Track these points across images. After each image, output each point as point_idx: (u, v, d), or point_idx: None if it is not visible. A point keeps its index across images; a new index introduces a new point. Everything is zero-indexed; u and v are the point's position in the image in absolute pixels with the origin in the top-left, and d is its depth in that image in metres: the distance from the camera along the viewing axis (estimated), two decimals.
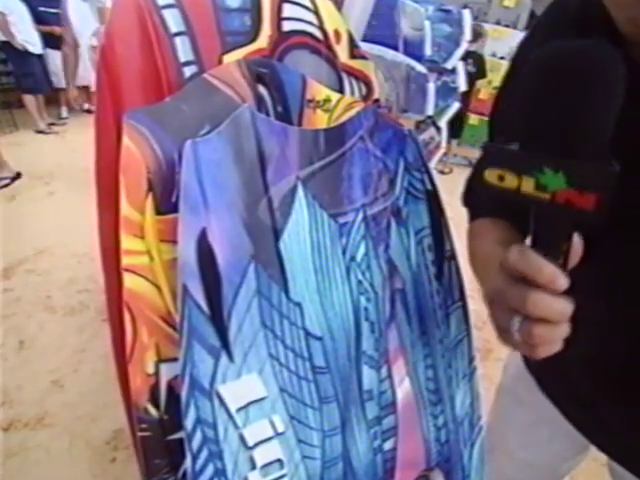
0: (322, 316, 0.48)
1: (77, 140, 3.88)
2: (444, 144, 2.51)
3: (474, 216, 0.57)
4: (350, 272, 0.51)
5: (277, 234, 0.44)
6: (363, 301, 0.51)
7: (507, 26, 4.85)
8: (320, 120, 0.48)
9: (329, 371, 0.48)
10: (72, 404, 1.48)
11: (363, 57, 0.52)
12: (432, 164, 2.48)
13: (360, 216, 0.52)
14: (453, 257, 0.59)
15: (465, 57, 3.55)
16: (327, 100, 0.47)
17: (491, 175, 0.30)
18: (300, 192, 0.46)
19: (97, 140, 0.40)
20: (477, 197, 0.56)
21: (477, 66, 3.83)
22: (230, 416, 0.41)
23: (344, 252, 0.50)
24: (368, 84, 0.53)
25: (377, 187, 0.53)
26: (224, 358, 0.41)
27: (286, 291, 0.45)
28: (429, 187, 0.57)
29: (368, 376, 0.51)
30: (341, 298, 0.50)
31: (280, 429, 0.44)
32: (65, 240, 2.37)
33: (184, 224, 0.38)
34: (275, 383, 0.44)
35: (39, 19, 3.91)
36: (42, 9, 3.95)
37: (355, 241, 0.51)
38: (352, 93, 0.52)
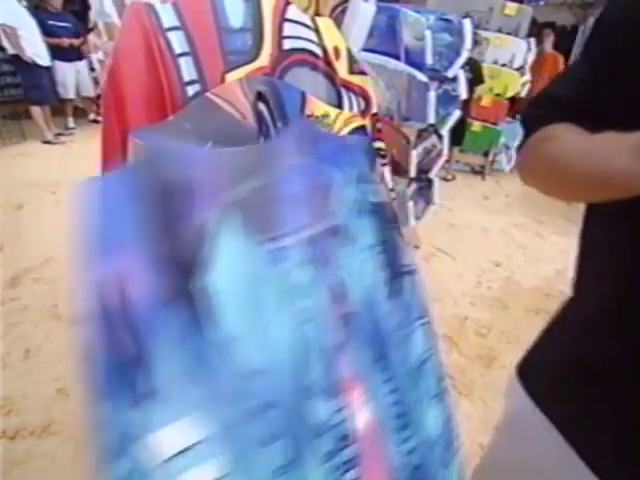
0: (262, 349, 0.43)
1: (83, 150, 3.93)
2: (446, 152, 2.52)
3: (539, 127, 0.49)
4: (292, 299, 0.46)
5: (204, 267, 0.40)
6: (309, 329, 0.46)
7: (508, 34, 4.88)
8: None
9: (275, 406, 0.43)
10: (77, 412, 1.49)
11: (362, 72, 0.53)
12: (434, 172, 2.48)
13: (301, 238, 0.47)
14: (412, 272, 0.55)
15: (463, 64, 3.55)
16: (326, 115, 0.49)
17: None
18: (229, 219, 0.41)
19: (103, 157, 0.41)
20: (548, 105, 0.49)
21: (473, 72, 3.84)
22: (164, 465, 0.37)
23: (284, 278, 0.45)
24: (367, 99, 0.54)
25: (320, 205, 0.48)
26: (153, 405, 0.37)
27: (217, 326, 0.40)
28: (381, 199, 0.53)
29: (321, 408, 0.46)
30: (283, 328, 0.45)
31: (221, 473, 0.39)
32: (71, 249, 2.40)
33: (93, 270, 0.36)
34: (214, 424, 0.39)
35: (47, 32, 4.00)
36: (51, 22, 4.04)
37: (296, 266, 0.46)
38: (351, 108, 0.53)
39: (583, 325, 0.52)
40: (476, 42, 3.95)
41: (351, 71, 0.53)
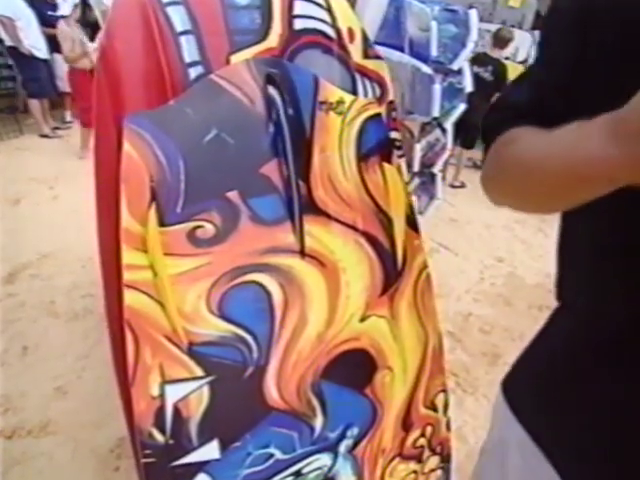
0: None
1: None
2: (450, 146, 2.48)
3: (500, 132, 0.45)
4: None
5: None
6: None
7: (512, 26, 4.81)
8: (333, 123, 0.45)
9: None
10: (76, 411, 1.46)
11: (377, 57, 0.49)
12: (438, 166, 2.45)
13: None
14: None
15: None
16: (340, 102, 0.44)
17: None
18: None
19: (96, 146, 0.37)
20: (506, 111, 0.46)
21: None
22: None
23: None
24: (382, 85, 0.50)
25: None
26: None
27: None
28: None
29: None
30: None
31: None
32: (69, 244, 2.35)
33: None
34: None
35: (47, 23, 3.92)
36: (50, 13, 3.96)
37: None
38: (365, 94, 0.49)
39: (567, 336, 0.50)
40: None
41: (366, 55, 0.49)
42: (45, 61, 4.05)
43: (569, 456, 0.48)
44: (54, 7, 4.03)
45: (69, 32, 3.64)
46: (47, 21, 4.01)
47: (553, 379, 0.52)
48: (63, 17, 3.70)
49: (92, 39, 3.72)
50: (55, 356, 1.69)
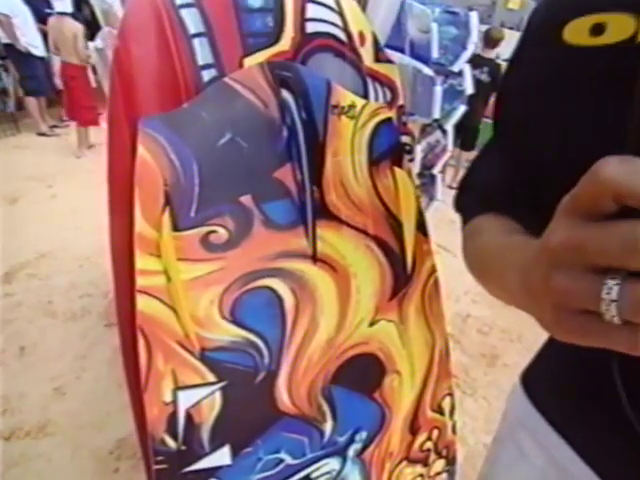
0: None
1: None
2: (450, 147, 2.48)
3: (469, 217, 0.48)
4: None
5: None
6: None
7: (511, 28, 4.84)
8: (345, 127, 0.45)
9: None
10: (74, 412, 1.45)
11: (388, 61, 0.49)
12: (438, 168, 2.45)
13: None
14: None
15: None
16: (352, 106, 0.44)
17: (579, 27, 0.20)
18: None
19: (109, 149, 0.37)
20: (473, 194, 0.48)
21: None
22: None
23: None
24: (393, 89, 0.50)
25: None
26: None
27: None
28: None
29: None
30: None
31: None
32: (67, 244, 2.34)
33: None
34: None
35: (43, 20, 3.89)
36: (48, 11, 3.94)
37: None
38: (376, 99, 0.49)
39: None
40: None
41: (377, 59, 0.48)
42: (42, 59, 4.03)
43: (587, 437, 0.47)
44: (49, 4, 3.99)
45: (82, 30, 3.62)
46: (43, 18, 3.98)
47: (567, 370, 0.52)
48: (66, 14, 3.65)
49: (90, 37, 3.68)
50: (53, 356, 1.67)
